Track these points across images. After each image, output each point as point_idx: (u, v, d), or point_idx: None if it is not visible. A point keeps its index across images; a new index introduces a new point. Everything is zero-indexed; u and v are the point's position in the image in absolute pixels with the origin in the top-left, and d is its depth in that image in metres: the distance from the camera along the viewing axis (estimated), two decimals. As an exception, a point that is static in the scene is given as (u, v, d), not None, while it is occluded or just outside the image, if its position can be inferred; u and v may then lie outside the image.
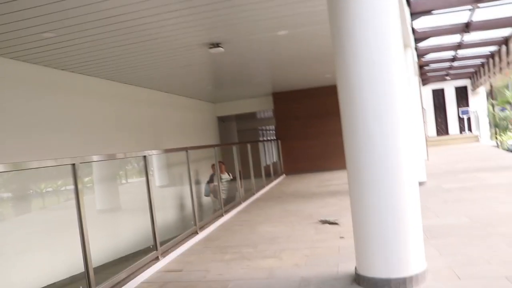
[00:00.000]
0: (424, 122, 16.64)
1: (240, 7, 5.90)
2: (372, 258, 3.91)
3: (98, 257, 4.61)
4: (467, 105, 26.89)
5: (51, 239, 5.90)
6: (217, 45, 7.55)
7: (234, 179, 10.41)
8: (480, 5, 9.76)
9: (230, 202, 9.01)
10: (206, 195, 10.31)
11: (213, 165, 9.79)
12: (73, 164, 4.24)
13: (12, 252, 5.31)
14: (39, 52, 6.83)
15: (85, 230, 4.21)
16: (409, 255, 3.83)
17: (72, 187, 4.26)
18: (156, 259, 5.42)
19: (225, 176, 10.48)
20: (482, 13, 11.07)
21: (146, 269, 5.12)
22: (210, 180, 10.36)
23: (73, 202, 4.24)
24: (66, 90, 8.33)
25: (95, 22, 5.77)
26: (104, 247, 5.82)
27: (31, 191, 7.10)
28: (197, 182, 10.01)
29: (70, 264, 4.84)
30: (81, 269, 4.22)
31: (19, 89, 7.16)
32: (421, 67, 17.81)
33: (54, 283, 5.29)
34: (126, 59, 8.09)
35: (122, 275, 4.73)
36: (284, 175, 16.04)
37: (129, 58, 7.99)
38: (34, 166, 4.04)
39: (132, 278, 4.79)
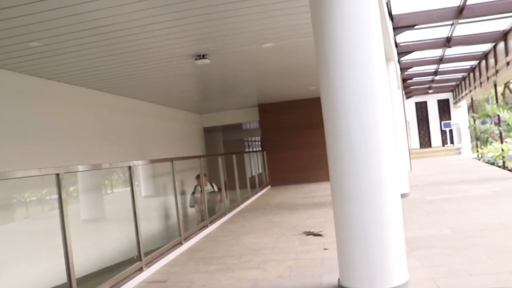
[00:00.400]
0: (407, 134, 16.86)
1: (225, 19, 5.96)
2: (355, 269, 3.95)
3: (81, 267, 4.58)
4: (449, 118, 27.34)
5: (34, 249, 5.84)
6: (203, 56, 7.60)
7: (219, 190, 10.41)
8: (460, 21, 10.02)
9: (210, 213, 8.99)
10: (191, 206, 10.30)
11: (197, 176, 9.79)
12: (57, 174, 4.23)
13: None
14: (25, 61, 6.80)
15: (68, 240, 4.19)
16: (391, 266, 3.89)
17: (56, 196, 4.25)
18: (140, 269, 5.40)
19: (208, 188, 10.47)
20: (463, 29, 11.35)
21: (130, 279, 5.09)
22: (195, 191, 10.36)
23: (57, 211, 4.23)
24: (52, 99, 8.28)
25: (82, 32, 5.77)
26: (87, 257, 5.77)
27: (15, 200, 7.02)
28: (182, 193, 9.99)
29: (53, 274, 4.81)
30: (64, 279, 4.19)
31: (4, 98, 7.10)
32: (404, 80, 18.10)
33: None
34: (113, 69, 8.09)
35: (105, 285, 4.70)
36: (269, 186, 16.08)
37: (115, 68, 8.00)
38: (18, 175, 4.04)
39: (116, 289, 4.77)
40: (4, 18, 5.00)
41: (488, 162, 17.11)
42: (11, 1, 4.57)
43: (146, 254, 5.64)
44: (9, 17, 4.99)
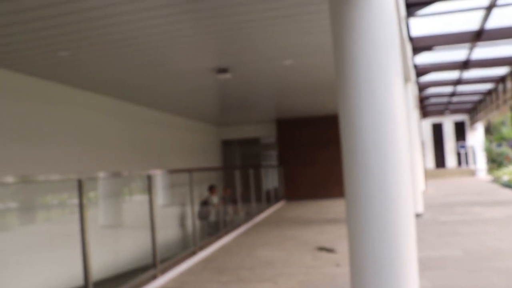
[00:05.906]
0: (423, 154, 16.83)
1: (248, 36, 6.14)
2: (366, 286, 4.00)
3: (98, 271, 4.70)
4: (465, 140, 27.25)
5: (53, 251, 5.99)
6: (224, 71, 7.76)
7: (235, 202, 10.46)
8: (478, 43, 10.06)
9: (214, 226, 9.07)
10: (201, 218, 10.36)
11: (210, 188, 9.87)
12: (80, 180, 4.38)
13: (14, 262, 5.39)
14: (54, 70, 7.04)
15: (87, 244, 4.31)
16: (403, 286, 3.92)
17: (76, 201, 4.40)
18: (155, 277, 5.50)
19: (215, 200, 10.51)
20: (480, 52, 11.37)
21: (144, 285, 5.19)
22: (207, 202, 10.43)
23: (75, 216, 4.37)
24: (77, 106, 8.49)
25: (108, 43, 6.00)
26: (104, 262, 5.90)
27: (36, 203, 7.21)
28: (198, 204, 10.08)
29: (70, 276, 4.93)
30: (81, 282, 4.31)
31: (32, 104, 7.36)
32: (421, 100, 18.11)
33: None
34: (136, 80, 8.30)
35: (121, 291, 4.82)
36: (284, 200, 16.12)
37: (139, 79, 8.21)
38: (41, 179, 4.21)
39: (131, 295, 4.89)
40: (36, 28, 5.23)
41: (503, 185, 16.93)
42: (43, 12, 4.80)
43: (161, 261, 5.75)
44: (41, 27, 5.22)
